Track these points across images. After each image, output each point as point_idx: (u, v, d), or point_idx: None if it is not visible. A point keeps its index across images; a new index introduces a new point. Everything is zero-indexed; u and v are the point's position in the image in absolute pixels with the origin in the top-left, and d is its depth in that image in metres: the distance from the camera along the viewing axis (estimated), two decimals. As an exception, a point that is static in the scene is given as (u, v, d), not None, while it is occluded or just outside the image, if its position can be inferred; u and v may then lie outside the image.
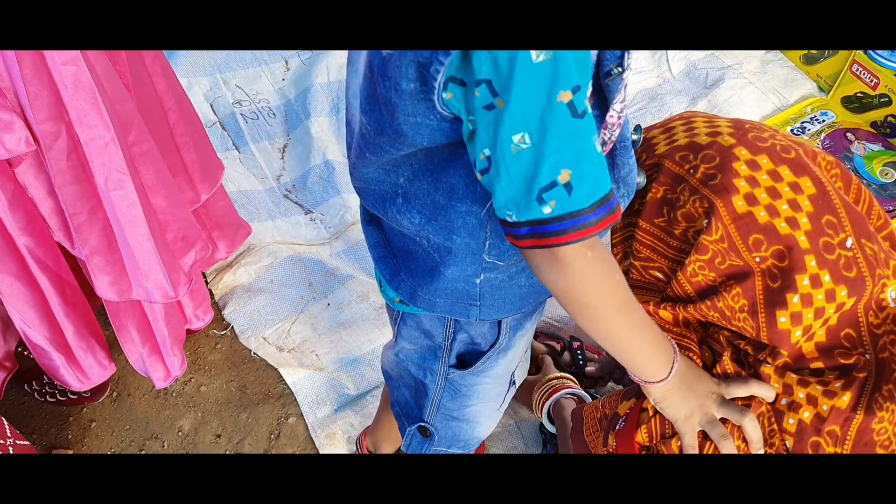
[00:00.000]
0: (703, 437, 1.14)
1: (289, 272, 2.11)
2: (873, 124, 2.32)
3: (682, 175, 1.11)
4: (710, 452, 1.13)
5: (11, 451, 1.47)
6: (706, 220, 1.08)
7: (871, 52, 2.26)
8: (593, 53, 0.86)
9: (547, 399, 1.68)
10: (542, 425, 1.76)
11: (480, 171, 0.88)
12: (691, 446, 1.14)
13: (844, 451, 1.08)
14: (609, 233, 1.21)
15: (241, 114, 2.48)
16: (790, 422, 1.10)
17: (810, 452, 1.09)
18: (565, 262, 0.90)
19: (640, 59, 2.54)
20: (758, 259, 1.07)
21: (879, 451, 1.08)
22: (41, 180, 1.41)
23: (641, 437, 1.19)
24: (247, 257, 2.13)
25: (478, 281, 1.08)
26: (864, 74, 2.29)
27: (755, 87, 2.44)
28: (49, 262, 1.53)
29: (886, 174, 2.20)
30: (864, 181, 2.17)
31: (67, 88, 1.27)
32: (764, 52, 2.53)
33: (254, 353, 1.99)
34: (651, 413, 1.18)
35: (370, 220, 1.17)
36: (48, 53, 1.23)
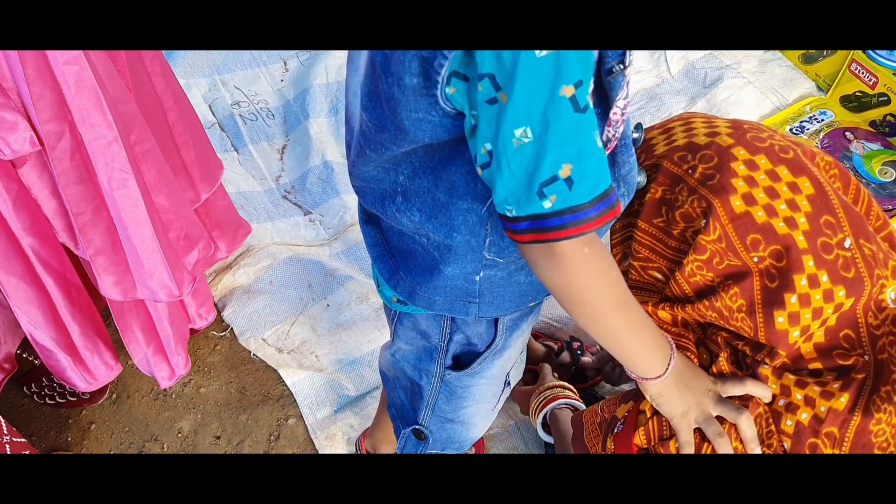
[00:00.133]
0: (700, 438, 1.14)
1: (288, 273, 2.11)
2: (872, 123, 2.31)
3: (680, 175, 1.11)
4: (706, 453, 1.14)
5: (8, 449, 1.47)
6: (704, 221, 1.08)
7: (869, 51, 2.26)
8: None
9: (543, 408, 1.68)
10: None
11: (481, 166, 0.88)
12: (687, 443, 1.14)
13: (842, 453, 1.08)
14: (608, 233, 1.21)
15: (240, 115, 2.48)
16: (788, 423, 1.10)
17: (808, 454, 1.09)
18: (563, 259, 0.90)
19: (638, 59, 2.54)
20: (756, 259, 1.07)
21: (877, 452, 1.08)
22: (45, 181, 1.41)
23: (639, 439, 1.19)
24: (246, 258, 2.13)
25: (477, 278, 1.08)
26: (862, 73, 2.29)
27: (754, 86, 2.44)
28: (54, 263, 1.54)
29: (885, 173, 2.20)
30: (864, 180, 2.17)
31: (70, 88, 1.27)
32: (762, 51, 2.53)
33: (253, 355, 1.99)
34: (649, 415, 1.18)
35: (368, 220, 1.17)
36: (51, 53, 1.23)
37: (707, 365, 1.18)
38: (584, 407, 1.65)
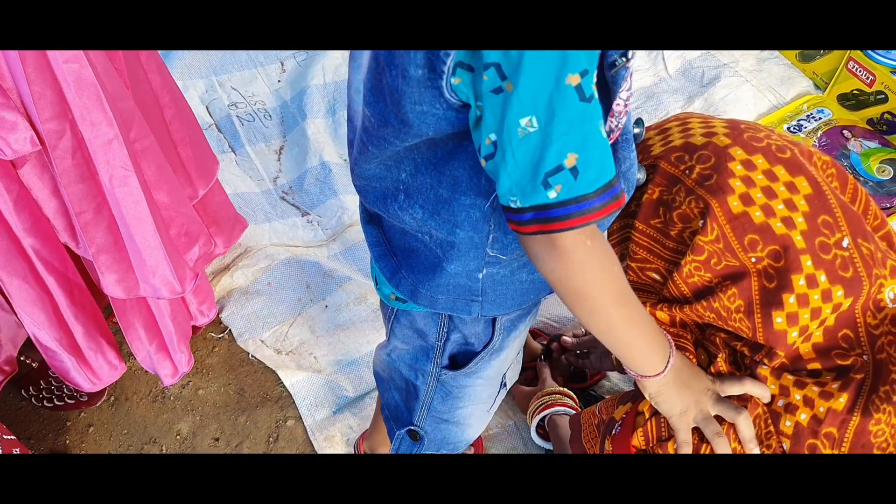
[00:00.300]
0: (699, 438, 1.14)
1: (286, 274, 2.11)
2: (870, 121, 2.31)
3: (677, 176, 1.11)
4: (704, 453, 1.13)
5: None
6: (702, 221, 1.08)
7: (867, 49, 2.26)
8: None
9: (540, 412, 1.68)
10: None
11: (485, 157, 0.88)
12: (686, 442, 1.14)
13: (842, 453, 1.07)
14: (606, 234, 1.21)
15: (237, 116, 2.47)
16: (787, 424, 1.10)
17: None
18: (564, 251, 0.90)
19: (636, 58, 2.53)
20: (753, 259, 1.07)
21: (877, 453, 1.08)
22: (45, 181, 1.41)
23: (637, 440, 1.19)
24: (244, 260, 2.12)
25: (480, 276, 1.08)
26: (860, 72, 2.29)
27: (751, 85, 2.44)
28: (56, 263, 1.54)
29: (883, 171, 2.20)
30: (862, 178, 2.17)
31: (70, 86, 1.27)
32: (760, 50, 2.53)
33: (252, 356, 1.99)
34: (647, 416, 1.18)
35: (370, 220, 1.16)
36: (50, 52, 1.23)
37: (705, 366, 1.18)
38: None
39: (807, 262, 1.05)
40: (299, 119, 2.44)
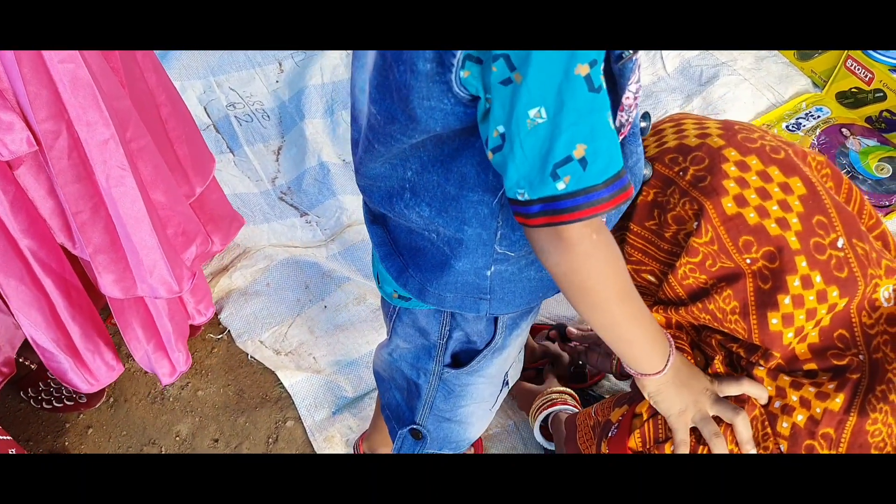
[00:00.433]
0: (696, 439, 1.14)
1: (285, 275, 2.11)
2: (868, 119, 2.31)
3: (671, 177, 1.11)
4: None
5: None
6: (696, 223, 1.08)
7: (865, 47, 2.26)
8: None
9: (542, 411, 1.68)
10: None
11: (493, 150, 0.87)
12: (684, 442, 1.14)
13: (839, 453, 1.07)
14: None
15: (235, 116, 2.47)
16: (784, 425, 1.10)
17: None
18: (570, 244, 0.90)
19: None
20: (748, 261, 1.07)
21: (874, 452, 1.08)
22: (41, 181, 1.41)
23: (634, 442, 1.19)
24: (242, 260, 2.12)
25: (488, 273, 1.08)
26: (858, 70, 2.29)
27: (750, 83, 2.44)
28: (53, 264, 1.53)
29: (882, 169, 2.19)
30: (860, 176, 2.17)
31: (66, 86, 1.27)
32: (759, 49, 2.53)
33: (251, 357, 1.99)
34: (645, 417, 1.18)
35: (374, 219, 1.16)
36: (46, 52, 1.23)
37: (702, 367, 1.18)
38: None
39: (802, 263, 1.05)
40: (297, 119, 2.44)
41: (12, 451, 1.56)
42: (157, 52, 2.51)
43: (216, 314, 2.05)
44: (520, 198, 0.87)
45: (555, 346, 1.86)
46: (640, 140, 1.06)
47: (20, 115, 1.29)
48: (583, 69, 0.80)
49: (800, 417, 1.09)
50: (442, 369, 1.25)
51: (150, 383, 1.94)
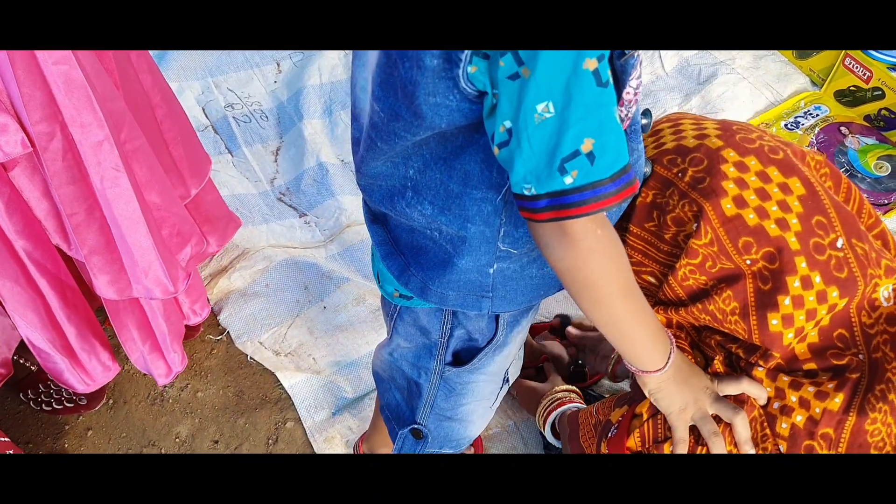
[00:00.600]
0: (695, 440, 1.14)
1: (284, 276, 2.11)
2: (867, 118, 2.31)
3: (670, 179, 1.10)
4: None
5: None
6: (695, 224, 1.07)
7: (863, 45, 2.26)
8: None
9: (552, 412, 1.68)
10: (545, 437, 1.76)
11: (499, 145, 0.87)
12: (683, 440, 1.14)
13: (839, 453, 1.07)
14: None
15: (234, 117, 2.47)
16: (783, 426, 1.10)
17: None
18: (574, 239, 0.90)
19: (634, 55, 2.53)
20: (748, 261, 1.07)
21: (874, 452, 1.08)
22: (36, 182, 1.41)
23: (634, 441, 1.19)
24: (241, 261, 2.12)
25: (491, 271, 1.08)
26: (856, 68, 2.29)
27: (748, 82, 2.44)
28: (48, 265, 1.53)
29: (881, 167, 2.19)
30: (859, 175, 2.17)
31: (60, 88, 1.27)
32: (757, 49, 2.53)
33: (250, 358, 1.99)
34: (645, 418, 1.18)
35: (374, 219, 1.16)
36: (40, 54, 1.23)
37: (702, 367, 1.18)
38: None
39: (801, 264, 1.05)
40: (296, 120, 2.44)
41: (10, 454, 1.56)
42: (155, 53, 2.53)
43: (215, 315, 2.05)
44: (526, 193, 0.87)
45: (553, 345, 1.86)
46: (641, 137, 1.06)
47: (14, 116, 1.29)
48: (591, 63, 0.81)
49: (799, 418, 1.09)
50: (443, 368, 1.25)
51: (149, 385, 1.94)
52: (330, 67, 2.54)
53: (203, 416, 1.90)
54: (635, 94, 0.95)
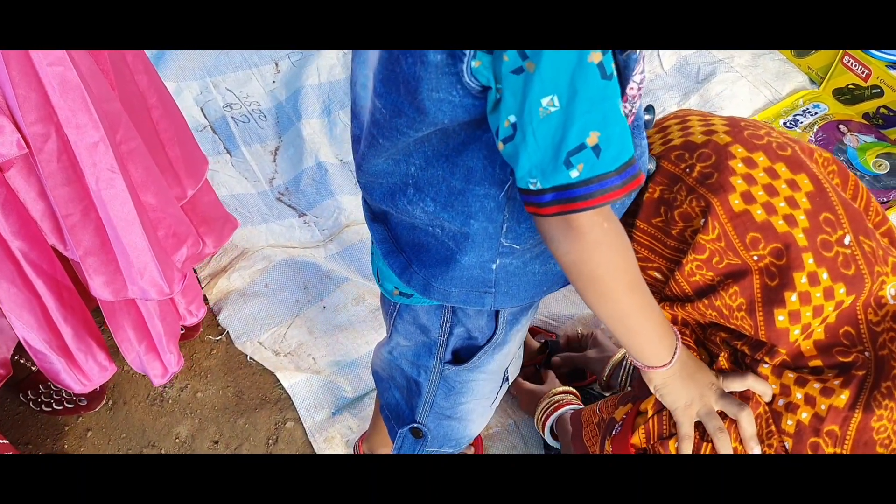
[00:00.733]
0: (700, 436, 1.14)
1: (283, 276, 2.10)
2: (865, 116, 2.31)
3: (678, 174, 1.10)
4: (705, 452, 1.13)
5: None
6: (703, 220, 1.07)
7: (861, 43, 2.26)
8: None
9: (551, 415, 1.68)
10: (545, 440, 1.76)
11: (504, 140, 0.87)
12: (688, 436, 1.13)
13: (844, 451, 1.07)
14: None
15: (232, 117, 2.47)
16: (789, 423, 1.10)
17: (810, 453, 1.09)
18: (581, 232, 0.90)
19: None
20: (755, 257, 1.07)
21: (880, 450, 1.07)
22: (31, 183, 1.41)
23: (638, 438, 1.19)
24: (241, 262, 2.12)
25: (494, 267, 1.07)
26: (855, 66, 2.29)
27: (747, 80, 2.44)
28: (44, 266, 1.53)
29: (880, 165, 2.20)
30: (858, 173, 2.17)
31: (55, 89, 1.27)
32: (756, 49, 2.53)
33: (250, 358, 1.98)
34: (650, 414, 1.17)
35: (374, 217, 1.16)
36: (34, 55, 1.23)
37: (707, 364, 1.17)
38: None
39: (808, 260, 1.05)
40: (294, 119, 2.43)
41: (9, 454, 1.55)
42: (153, 53, 2.53)
43: (215, 315, 2.05)
44: (532, 187, 0.87)
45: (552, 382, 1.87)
46: (644, 133, 1.06)
47: (9, 117, 1.29)
48: (596, 56, 0.81)
49: (804, 415, 1.09)
50: (443, 366, 1.25)
51: (149, 385, 1.94)
52: (328, 67, 2.54)
53: (203, 417, 1.90)
54: (639, 89, 0.95)
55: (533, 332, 1.95)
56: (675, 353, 1.08)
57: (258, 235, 2.19)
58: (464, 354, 1.25)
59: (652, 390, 1.13)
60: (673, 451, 1.14)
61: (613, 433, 1.23)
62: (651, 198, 1.13)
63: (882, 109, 2.27)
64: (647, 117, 1.08)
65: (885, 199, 2.12)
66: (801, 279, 1.05)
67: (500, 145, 0.88)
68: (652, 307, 1.04)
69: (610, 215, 0.92)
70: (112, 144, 1.37)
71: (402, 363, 1.30)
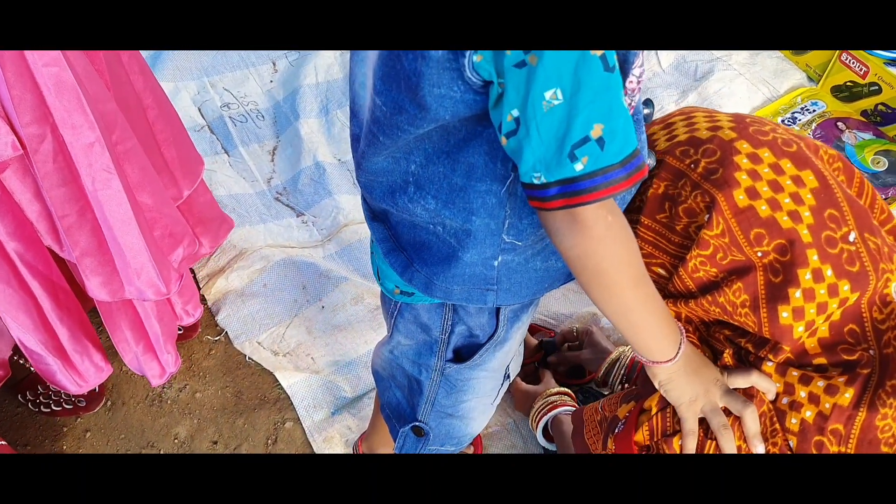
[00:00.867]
0: (704, 433, 1.13)
1: (282, 276, 2.10)
2: (863, 113, 2.32)
3: (682, 170, 1.10)
4: (709, 449, 1.13)
5: None
6: (707, 215, 1.07)
7: (860, 41, 2.26)
8: None
9: (545, 415, 1.68)
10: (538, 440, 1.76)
11: (506, 135, 0.87)
12: (692, 432, 1.13)
13: (849, 450, 1.07)
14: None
15: (230, 117, 2.46)
16: (793, 421, 1.09)
17: (814, 452, 1.08)
18: (585, 226, 0.90)
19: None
20: (759, 253, 1.06)
21: (884, 448, 1.07)
22: (27, 184, 1.41)
23: (642, 435, 1.18)
24: (239, 262, 2.11)
25: (496, 263, 1.07)
26: (853, 63, 2.29)
27: (745, 78, 2.44)
28: (40, 267, 1.53)
29: (878, 163, 2.20)
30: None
31: (50, 90, 1.27)
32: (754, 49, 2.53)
33: (249, 358, 1.98)
34: (653, 412, 1.17)
35: (374, 216, 1.16)
36: (30, 56, 1.23)
37: (711, 362, 1.17)
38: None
39: (813, 257, 1.05)
40: (292, 119, 2.43)
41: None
42: (150, 53, 2.52)
43: (213, 316, 2.04)
44: (536, 181, 0.87)
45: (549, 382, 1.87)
46: (644, 127, 1.06)
47: (5, 118, 1.29)
48: (598, 49, 0.80)
49: (808, 413, 1.08)
50: (444, 364, 1.25)
51: (147, 386, 1.93)
52: (326, 66, 2.54)
53: (202, 417, 1.89)
54: (638, 82, 0.95)
55: (532, 329, 1.95)
56: (679, 348, 1.08)
57: (256, 235, 2.19)
58: (465, 352, 1.25)
59: (656, 386, 1.13)
60: (677, 449, 1.14)
61: (616, 431, 1.22)
62: (655, 193, 1.12)
63: (880, 106, 2.27)
64: (646, 111, 1.08)
65: (885, 197, 2.12)
66: (805, 276, 1.05)
67: (503, 140, 0.88)
68: (656, 301, 1.03)
69: (614, 208, 0.92)
70: (108, 145, 1.37)
71: (403, 362, 1.30)
